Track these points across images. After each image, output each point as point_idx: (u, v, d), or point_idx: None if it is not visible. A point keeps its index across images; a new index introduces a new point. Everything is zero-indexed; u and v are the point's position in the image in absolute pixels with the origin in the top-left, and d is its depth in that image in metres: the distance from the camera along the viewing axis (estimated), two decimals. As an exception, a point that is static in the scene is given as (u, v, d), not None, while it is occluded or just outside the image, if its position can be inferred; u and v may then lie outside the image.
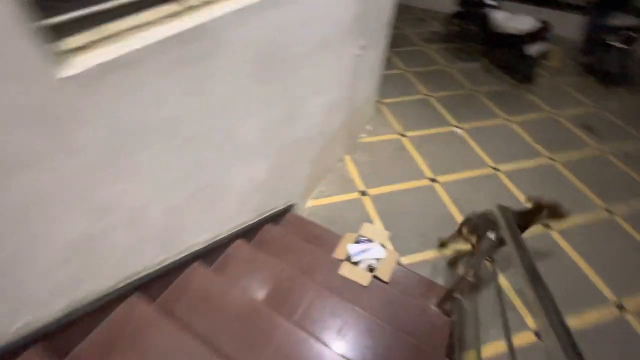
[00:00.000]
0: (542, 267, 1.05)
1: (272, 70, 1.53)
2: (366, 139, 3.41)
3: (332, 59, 2.08)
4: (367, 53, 2.57)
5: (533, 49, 3.90)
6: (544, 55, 4.51)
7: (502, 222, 1.34)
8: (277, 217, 2.25)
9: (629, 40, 3.98)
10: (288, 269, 1.75)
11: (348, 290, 1.82)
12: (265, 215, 2.09)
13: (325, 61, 2.00)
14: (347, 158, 3.16)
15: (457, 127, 3.62)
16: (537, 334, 2.02)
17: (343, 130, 2.81)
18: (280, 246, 2.03)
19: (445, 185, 2.96)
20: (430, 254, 2.44)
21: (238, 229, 1.85)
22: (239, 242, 1.82)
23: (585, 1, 5.04)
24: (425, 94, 4.12)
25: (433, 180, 3.00)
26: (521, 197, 2.88)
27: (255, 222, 2.02)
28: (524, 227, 2.02)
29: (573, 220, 2.71)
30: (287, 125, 1.86)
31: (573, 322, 2.11)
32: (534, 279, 0.97)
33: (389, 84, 4.22)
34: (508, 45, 4.17)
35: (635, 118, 3.90)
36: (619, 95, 4.29)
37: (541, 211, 2.03)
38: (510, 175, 3.11)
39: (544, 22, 3.86)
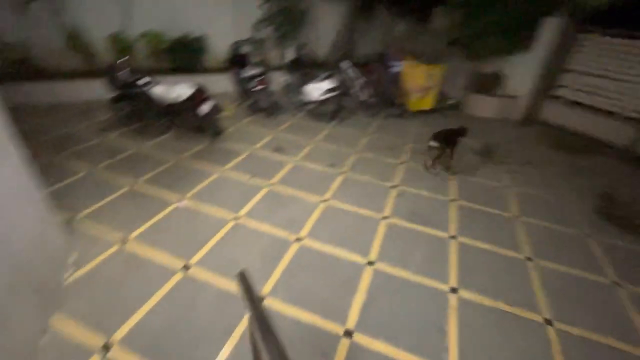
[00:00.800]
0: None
1: None
2: (75, 275, 2.48)
3: None
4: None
5: (204, 109, 4.32)
6: (217, 110, 5.18)
7: (242, 288, 1.19)
8: None
9: (262, 83, 5.28)
10: None
11: None
12: None
13: None
14: (57, 319, 2.14)
15: (179, 200, 3.38)
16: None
17: (16, 295, 1.82)
18: None
19: (201, 264, 2.64)
20: (226, 351, 2.05)
21: None
22: None
23: (224, 65, 6.27)
24: (130, 184, 3.59)
25: (186, 267, 2.60)
26: (266, 228, 3.06)
27: None
28: (455, 142, 4.25)
29: (312, 222, 3.19)
30: None
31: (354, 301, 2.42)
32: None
33: (78, 193, 3.37)
34: (182, 111, 4.40)
35: (300, 129, 5.25)
36: (282, 119, 5.64)
37: (464, 131, 4.30)
38: (250, 215, 3.25)
39: (198, 86, 4.35)
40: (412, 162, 4.52)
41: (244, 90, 5.68)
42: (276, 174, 3.99)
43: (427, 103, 6.18)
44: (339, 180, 3.97)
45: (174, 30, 6.25)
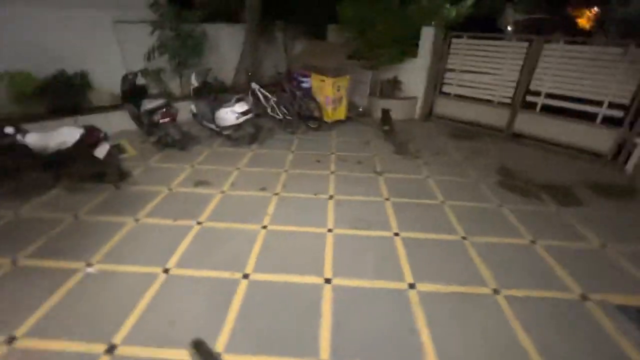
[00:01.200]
0: None
1: None
2: None
3: None
4: None
5: (100, 151, 3.68)
6: (118, 151, 4.50)
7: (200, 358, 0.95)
8: None
9: (168, 114, 4.79)
10: None
11: None
12: None
13: None
14: None
15: (87, 267, 2.74)
16: None
17: None
18: None
19: (131, 339, 2.14)
20: None
21: None
22: None
23: (118, 101, 5.54)
24: (8, 263, 2.77)
25: (110, 350, 2.06)
26: (205, 273, 2.68)
27: None
28: (389, 116, 6.02)
29: (256, 253, 2.91)
30: None
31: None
32: None
33: None
34: (72, 158, 3.66)
35: (221, 157, 4.89)
36: (197, 150, 5.19)
37: (387, 111, 6.03)
38: (182, 263, 2.81)
39: (87, 127, 3.70)
40: (341, 171, 4.60)
41: (147, 125, 5.08)
42: (204, 210, 3.59)
43: (341, 113, 6.46)
44: (274, 202, 3.78)
45: (46, 67, 5.28)
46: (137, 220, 3.40)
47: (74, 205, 3.62)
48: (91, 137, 3.64)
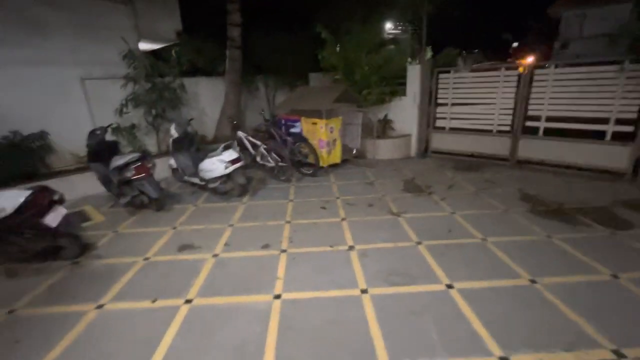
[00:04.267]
0: None
1: None
2: None
3: None
4: None
5: (53, 219, 2.84)
6: (79, 218, 3.65)
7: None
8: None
9: (142, 170, 4.05)
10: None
11: None
12: None
13: None
14: None
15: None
16: None
17: None
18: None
19: None
20: None
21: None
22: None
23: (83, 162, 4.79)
24: None
25: None
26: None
27: None
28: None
29: (273, 337, 2.06)
30: None
31: None
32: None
33: None
34: (12, 232, 2.78)
35: (209, 214, 4.11)
36: (179, 210, 4.39)
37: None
38: None
39: (36, 187, 2.91)
40: (353, 216, 3.93)
41: (118, 185, 4.28)
42: (193, 283, 2.73)
43: (336, 156, 6.00)
44: (282, 262, 2.99)
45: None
46: (100, 307, 2.48)
47: (12, 295, 2.65)
48: (41, 200, 2.82)
